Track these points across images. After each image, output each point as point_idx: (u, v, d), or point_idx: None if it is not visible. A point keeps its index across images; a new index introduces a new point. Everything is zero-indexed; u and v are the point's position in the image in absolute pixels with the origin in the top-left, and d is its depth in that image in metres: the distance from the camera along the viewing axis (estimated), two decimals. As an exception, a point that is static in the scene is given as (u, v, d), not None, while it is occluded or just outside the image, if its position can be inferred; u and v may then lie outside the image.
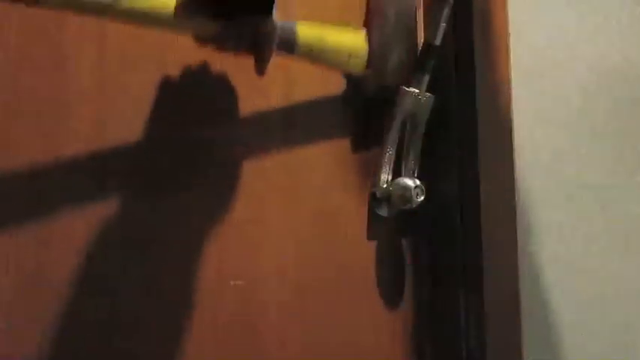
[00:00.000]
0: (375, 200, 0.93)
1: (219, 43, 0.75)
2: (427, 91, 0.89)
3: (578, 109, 1.07)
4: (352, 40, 0.87)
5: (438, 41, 0.88)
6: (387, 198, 0.88)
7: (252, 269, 0.83)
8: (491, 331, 0.90)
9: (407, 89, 0.87)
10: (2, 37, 0.73)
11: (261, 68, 0.79)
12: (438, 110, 0.91)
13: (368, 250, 0.93)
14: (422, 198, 0.87)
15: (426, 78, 0.89)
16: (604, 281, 1.05)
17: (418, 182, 0.87)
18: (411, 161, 0.90)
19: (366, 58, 0.87)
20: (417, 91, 0.88)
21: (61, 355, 0.72)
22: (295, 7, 0.86)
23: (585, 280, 1.03)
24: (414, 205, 0.86)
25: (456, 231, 0.94)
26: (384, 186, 0.88)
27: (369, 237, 0.93)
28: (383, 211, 0.94)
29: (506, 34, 0.98)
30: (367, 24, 0.89)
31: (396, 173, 0.89)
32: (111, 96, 0.77)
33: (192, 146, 0.82)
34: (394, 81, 0.90)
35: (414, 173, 0.89)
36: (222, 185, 0.83)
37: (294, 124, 0.88)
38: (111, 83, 0.76)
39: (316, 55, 0.83)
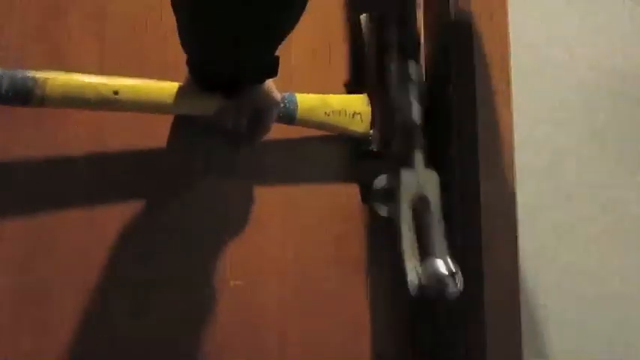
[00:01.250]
0: (374, 200, 0.93)
1: (219, 121, 0.75)
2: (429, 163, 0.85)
3: (578, 109, 1.07)
4: (354, 104, 0.87)
5: (418, 120, 0.87)
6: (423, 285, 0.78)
7: (252, 269, 0.83)
8: (491, 331, 0.90)
9: (404, 170, 0.84)
10: (2, 37, 0.73)
11: (260, 139, 0.80)
12: (439, 110, 0.91)
13: (368, 250, 0.93)
14: (460, 287, 0.76)
15: (420, 156, 0.86)
16: (604, 281, 1.05)
17: (452, 267, 0.77)
18: (436, 245, 0.81)
19: (369, 117, 0.88)
20: (414, 169, 0.85)
21: (61, 354, 0.72)
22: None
23: (585, 280, 1.03)
24: (454, 297, 0.76)
25: (456, 231, 0.94)
26: (415, 275, 0.78)
27: (369, 237, 0.93)
28: (383, 211, 0.94)
29: (507, 34, 0.98)
30: (368, 85, 0.90)
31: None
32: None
33: (192, 147, 0.82)
34: (399, 141, 0.90)
35: (444, 257, 0.79)
36: (222, 187, 0.83)
37: (294, 125, 0.88)
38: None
39: (319, 123, 0.84)
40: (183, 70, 0.71)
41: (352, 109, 0.87)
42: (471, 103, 0.93)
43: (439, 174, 0.90)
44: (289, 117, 0.80)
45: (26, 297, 0.71)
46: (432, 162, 0.93)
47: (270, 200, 0.86)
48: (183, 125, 0.81)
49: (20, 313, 0.71)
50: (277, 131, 0.81)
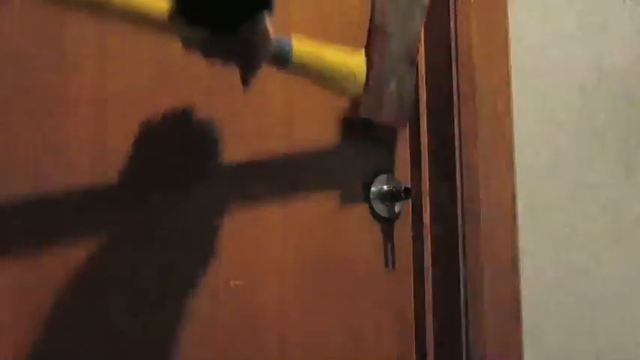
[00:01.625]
0: (375, 200, 0.93)
1: (208, 51, 0.70)
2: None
3: (578, 109, 1.07)
4: (351, 61, 0.82)
5: None
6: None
7: (252, 269, 0.83)
8: (491, 331, 0.90)
9: None
10: (2, 37, 0.73)
11: (247, 80, 0.74)
12: (438, 110, 0.91)
13: (368, 250, 0.93)
14: None
15: None
16: (604, 281, 1.05)
17: None
18: None
19: (363, 80, 0.83)
20: None
21: (61, 354, 0.72)
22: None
23: (585, 280, 1.03)
24: None
25: (456, 231, 0.94)
26: None
27: (369, 237, 0.93)
28: (383, 212, 0.94)
29: (507, 34, 0.98)
30: (368, 45, 0.85)
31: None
32: (111, 96, 0.77)
33: (192, 147, 0.82)
34: (390, 110, 0.86)
35: None
36: (222, 186, 0.83)
37: (294, 124, 0.88)
38: (111, 83, 0.76)
39: (311, 72, 0.79)
40: (184, 71, 0.70)
41: (348, 66, 0.82)
42: (472, 103, 0.93)
43: (439, 175, 0.90)
44: (283, 58, 0.75)
45: (26, 297, 0.71)
46: (430, 162, 0.94)
47: (269, 200, 0.86)
48: (183, 125, 0.81)
49: (20, 313, 0.71)
50: (278, 127, 0.81)
